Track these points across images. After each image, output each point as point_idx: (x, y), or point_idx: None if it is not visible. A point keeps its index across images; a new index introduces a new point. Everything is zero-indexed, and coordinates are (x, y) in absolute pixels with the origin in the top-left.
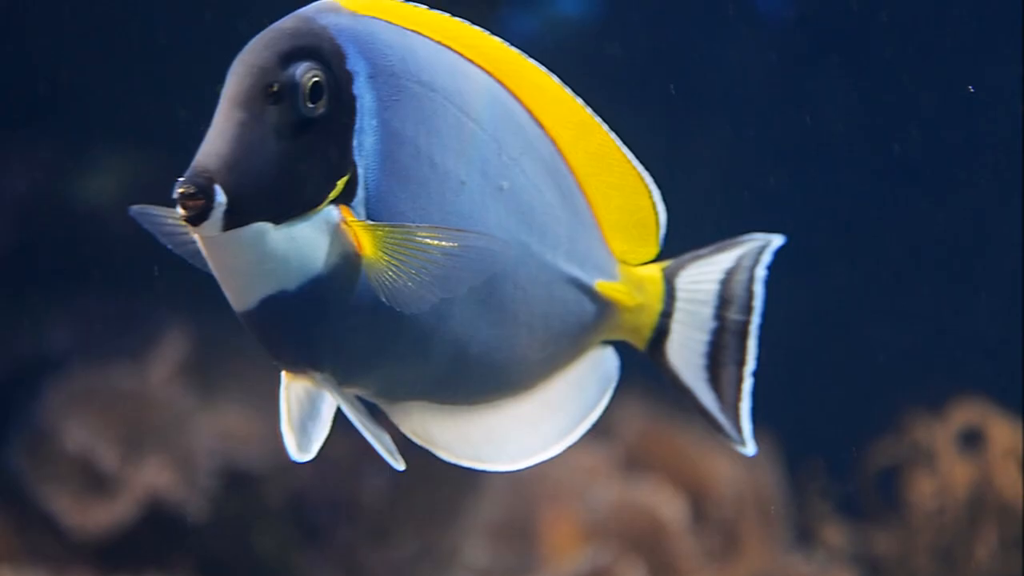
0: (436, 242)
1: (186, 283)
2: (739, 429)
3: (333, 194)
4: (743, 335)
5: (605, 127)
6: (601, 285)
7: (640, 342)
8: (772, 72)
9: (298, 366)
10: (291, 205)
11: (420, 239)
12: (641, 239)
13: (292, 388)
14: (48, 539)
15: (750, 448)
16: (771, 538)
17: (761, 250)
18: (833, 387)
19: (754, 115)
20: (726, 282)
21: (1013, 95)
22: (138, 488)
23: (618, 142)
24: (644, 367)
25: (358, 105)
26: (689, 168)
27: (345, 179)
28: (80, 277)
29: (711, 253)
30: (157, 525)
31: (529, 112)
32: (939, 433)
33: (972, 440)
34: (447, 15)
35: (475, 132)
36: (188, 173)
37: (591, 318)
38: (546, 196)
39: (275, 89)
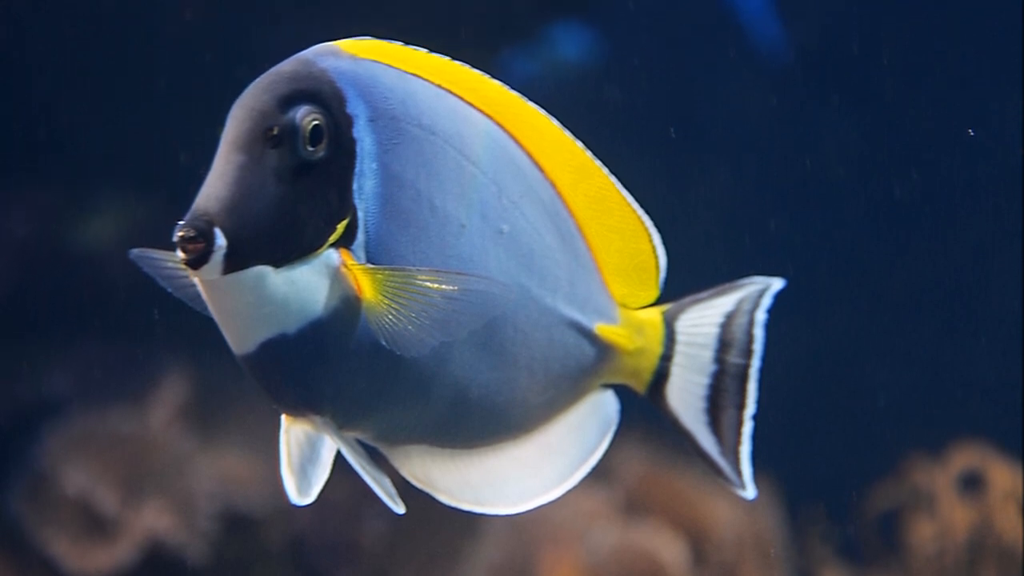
0: (436, 285)
1: (186, 326)
2: (739, 472)
3: (333, 237)
4: (743, 378)
5: (605, 170)
6: (601, 328)
7: (640, 385)
8: (772, 115)
9: (298, 409)
10: (291, 248)
11: (420, 282)
12: (641, 282)
13: (292, 431)
14: None
15: (750, 491)
16: None
17: (761, 293)
18: (833, 430)
19: (754, 158)
20: (726, 325)
21: (1014, 138)
22: (138, 531)
23: (618, 185)
24: (644, 410)
25: (358, 148)
26: (689, 211)
27: (345, 222)
28: (80, 321)
29: (711, 296)
30: (157, 568)
31: (529, 155)
32: (939, 476)
33: (972, 483)
34: (447, 58)
35: (475, 175)
36: (188, 216)
37: (591, 361)
38: (546, 239)
39: (275, 132)
